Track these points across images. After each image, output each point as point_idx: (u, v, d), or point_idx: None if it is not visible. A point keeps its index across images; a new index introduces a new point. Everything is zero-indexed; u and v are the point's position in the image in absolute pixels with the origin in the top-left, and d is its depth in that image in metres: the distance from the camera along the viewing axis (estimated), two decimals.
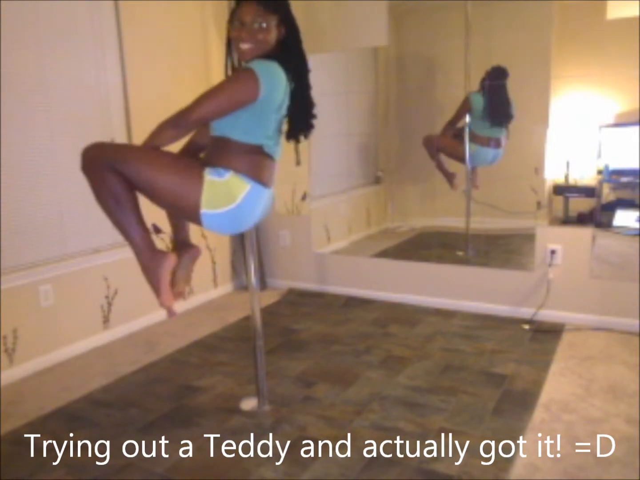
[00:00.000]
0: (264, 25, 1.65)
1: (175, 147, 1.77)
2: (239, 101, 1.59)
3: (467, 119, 3.33)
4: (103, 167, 1.56)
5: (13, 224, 2.46)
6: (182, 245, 1.89)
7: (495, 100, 3.27)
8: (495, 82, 3.22)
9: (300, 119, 1.76)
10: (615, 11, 2.73)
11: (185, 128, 1.61)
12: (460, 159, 3.43)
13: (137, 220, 1.62)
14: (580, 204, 3.07)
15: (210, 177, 1.61)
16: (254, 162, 1.66)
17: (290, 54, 1.71)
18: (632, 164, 2.89)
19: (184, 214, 1.72)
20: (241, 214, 1.67)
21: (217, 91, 1.60)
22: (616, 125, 2.93)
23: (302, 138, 1.82)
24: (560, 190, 3.10)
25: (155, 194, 1.62)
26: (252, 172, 1.66)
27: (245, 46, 1.66)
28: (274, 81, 1.61)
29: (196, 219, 1.64)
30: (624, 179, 2.96)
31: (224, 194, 1.61)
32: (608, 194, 3.01)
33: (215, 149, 1.69)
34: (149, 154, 1.61)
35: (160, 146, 1.64)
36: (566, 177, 3.09)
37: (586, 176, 3.06)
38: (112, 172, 1.56)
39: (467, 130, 3.34)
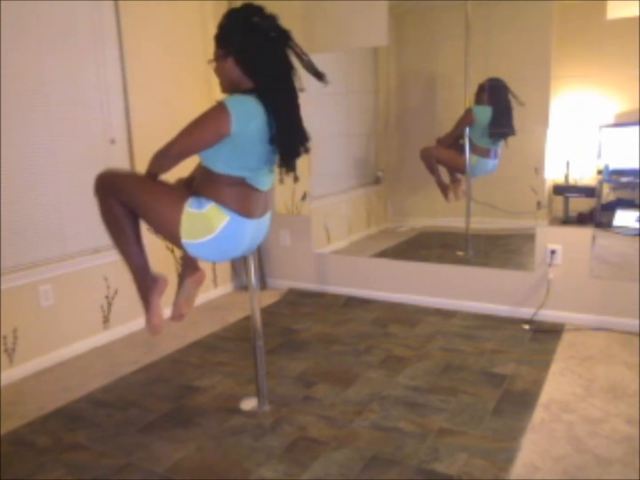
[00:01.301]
0: (215, 64, 1.71)
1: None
2: (212, 136, 1.61)
3: (467, 130, 3.33)
4: (108, 193, 1.71)
5: (13, 224, 2.46)
6: (188, 267, 1.97)
7: (503, 115, 3.25)
8: (499, 95, 3.21)
9: (285, 150, 1.72)
10: (615, 11, 2.73)
11: (170, 160, 1.68)
12: (461, 170, 3.43)
13: (134, 244, 1.76)
14: (580, 204, 3.07)
15: (189, 209, 1.67)
16: (235, 193, 1.69)
17: (263, 86, 1.68)
18: (632, 164, 2.89)
19: (171, 241, 1.78)
20: (222, 245, 1.71)
21: (190, 127, 1.64)
22: (616, 125, 2.93)
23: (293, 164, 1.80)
24: (560, 190, 3.10)
25: (146, 220, 1.74)
26: (232, 204, 1.69)
27: (220, 83, 1.75)
28: (246, 114, 1.61)
29: (181, 247, 1.72)
30: (624, 179, 2.96)
31: (202, 225, 1.67)
32: (608, 194, 3.01)
33: (202, 179, 1.74)
34: (144, 183, 1.73)
35: (156, 175, 1.72)
36: (566, 177, 3.09)
37: (586, 176, 3.06)
38: (115, 198, 1.69)
39: (467, 141, 3.33)
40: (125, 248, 1.76)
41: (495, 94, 3.22)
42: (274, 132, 1.66)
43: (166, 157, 1.67)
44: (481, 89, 3.26)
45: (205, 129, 1.61)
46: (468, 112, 3.30)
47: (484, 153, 3.35)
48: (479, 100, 3.28)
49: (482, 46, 3.28)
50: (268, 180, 1.79)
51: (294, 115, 1.74)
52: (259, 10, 1.67)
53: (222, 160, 1.66)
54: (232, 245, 1.75)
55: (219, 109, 1.60)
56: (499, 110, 3.26)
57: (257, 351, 2.09)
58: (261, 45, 1.66)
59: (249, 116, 1.61)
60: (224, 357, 2.62)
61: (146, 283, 1.80)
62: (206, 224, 1.67)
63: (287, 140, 1.70)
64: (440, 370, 2.39)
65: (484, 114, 3.28)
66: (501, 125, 3.27)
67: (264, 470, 1.73)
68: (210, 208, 1.67)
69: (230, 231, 1.69)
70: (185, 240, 1.68)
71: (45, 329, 2.60)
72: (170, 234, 1.71)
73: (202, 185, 1.72)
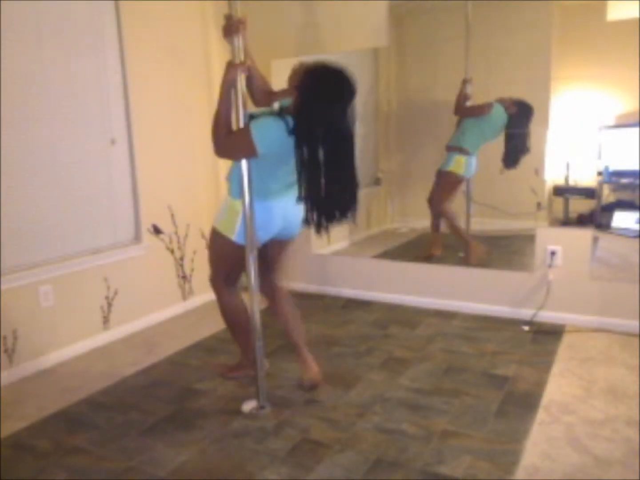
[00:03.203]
0: (295, 70, 2.12)
1: None
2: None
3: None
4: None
5: (13, 224, 2.44)
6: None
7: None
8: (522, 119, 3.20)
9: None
10: (615, 12, 2.73)
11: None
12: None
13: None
14: (580, 205, 3.07)
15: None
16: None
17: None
18: (632, 165, 2.90)
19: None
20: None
21: None
22: (616, 126, 2.93)
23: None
24: (560, 191, 3.11)
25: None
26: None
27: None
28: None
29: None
30: (624, 180, 2.97)
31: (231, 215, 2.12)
32: (608, 195, 3.02)
33: None
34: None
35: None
36: (566, 178, 3.09)
37: (586, 177, 3.07)
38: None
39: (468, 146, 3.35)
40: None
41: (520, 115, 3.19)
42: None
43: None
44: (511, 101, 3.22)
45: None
46: (488, 105, 3.27)
47: (466, 153, 3.35)
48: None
49: (483, 47, 3.28)
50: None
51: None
52: (348, 99, 1.94)
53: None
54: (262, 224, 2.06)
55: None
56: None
57: (257, 353, 2.08)
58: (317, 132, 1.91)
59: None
60: (224, 359, 2.61)
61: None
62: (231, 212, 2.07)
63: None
64: (441, 371, 2.39)
65: (500, 114, 3.25)
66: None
67: (268, 474, 1.72)
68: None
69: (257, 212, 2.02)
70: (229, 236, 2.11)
71: (45, 330, 2.59)
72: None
73: None
